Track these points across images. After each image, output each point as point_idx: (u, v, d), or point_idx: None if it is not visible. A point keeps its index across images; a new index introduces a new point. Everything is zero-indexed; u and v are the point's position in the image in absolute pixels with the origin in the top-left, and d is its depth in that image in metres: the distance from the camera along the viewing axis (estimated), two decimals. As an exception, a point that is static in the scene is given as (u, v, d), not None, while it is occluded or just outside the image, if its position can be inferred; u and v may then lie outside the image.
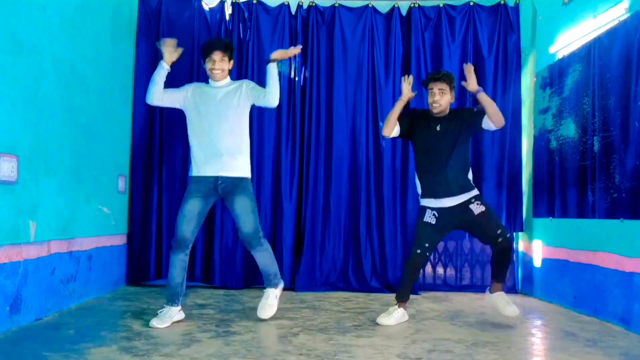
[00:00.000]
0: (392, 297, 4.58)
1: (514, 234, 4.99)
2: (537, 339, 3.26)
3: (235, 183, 3.42)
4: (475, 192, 3.51)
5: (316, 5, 5.05)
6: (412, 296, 4.60)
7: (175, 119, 4.94)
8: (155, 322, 3.22)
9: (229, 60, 3.53)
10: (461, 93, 4.79)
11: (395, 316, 3.49)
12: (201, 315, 3.56)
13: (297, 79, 5.01)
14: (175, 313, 3.34)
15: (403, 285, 3.60)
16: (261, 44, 4.95)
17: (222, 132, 3.42)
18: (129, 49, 4.85)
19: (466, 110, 3.73)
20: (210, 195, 3.45)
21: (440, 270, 5.10)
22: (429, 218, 3.49)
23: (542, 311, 4.08)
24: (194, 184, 3.43)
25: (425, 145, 3.55)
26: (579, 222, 3.99)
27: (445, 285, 5.03)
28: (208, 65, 3.49)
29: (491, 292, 3.62)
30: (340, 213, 4.96)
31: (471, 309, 4.07)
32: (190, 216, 3.38)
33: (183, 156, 4.90)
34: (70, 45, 3.64)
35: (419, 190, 3.59)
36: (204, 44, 3.62)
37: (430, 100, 3.55)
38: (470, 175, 3.56)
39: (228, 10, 5.02)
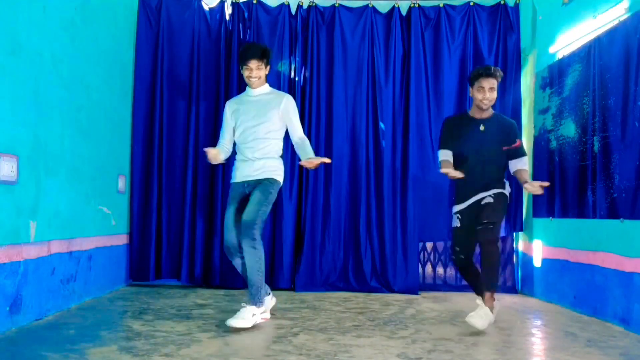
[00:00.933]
0: (392, 297, 4.60)
1: (514, 234, 5.00)
2: (537, 339, 3.26)
3: (258, 182, 3.44)
4: (495, 191, 3.45)
5: (316, 5, 5.05)
6: (412, 296, 4.64)
7: (176, 119, 4.96)
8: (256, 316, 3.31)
9: (266, 66, 3.53)
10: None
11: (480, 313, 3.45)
12: (201, 315, 3.56)
13: (297, 79, 5.01)
14: (268, 300, 3.53)
15: (469, 284, 3.74)
16: (261, 44, 4.94)
17: (256, 139, 3.46)
18: (129, 49, 4.85)
19: (512, 134, 3.53)
20: (243, 199, 3.47)
21: (440, 270, 5.10)
22: (455, 222, 3.56)
23: (542, 311, 4.08)
24: (231, 191, 3.53)
25: (468, 146, 3.46)
26: (579, 222, 3.99)
27: (445, 285, 5.03)
28: (245, 73, 3.51)
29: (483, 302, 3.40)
30: (340, 213, 4.96)
31: (471, 309, 4.03)
32: (229, 224, 3.44)
33: (183, 156, 4.91)
34: (70, 45, 3.64)
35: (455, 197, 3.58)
36: (241, 50, 3.59)
37: (479, 96, 3.43)
38: (504, 182, 3.50)
39: (228, 10, 5.03)
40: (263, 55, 3.48)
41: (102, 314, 3.52)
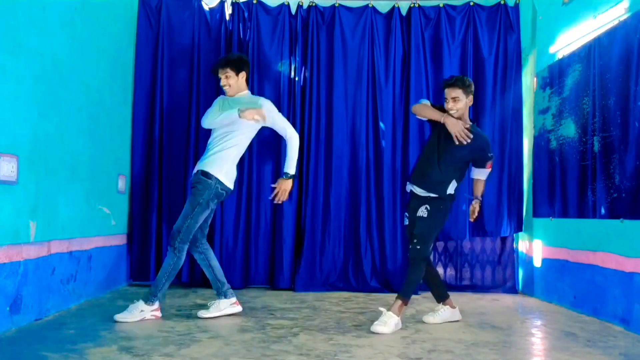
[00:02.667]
0: (392, 297, 4.58)
1: (514, 234, 5.00)
2: (537, 339, 3.26)
3: (194, 180, 3.55)
4: (436, 195, 3.43)
5: (316, 5, 5.05)
6: (412, 296, 4.63)
7: (176, 119, 4.95)
8: (201, 312, 3.53)
9: (237, 73, 3.65)
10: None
11: (441, 315, 3.62)
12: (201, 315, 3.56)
13: (297, 79, 5.01)
14: (225, 305, 3.60)
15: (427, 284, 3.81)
16: (261, 44, 4.95)
17: (216, 136, 3.64)
18: (129, 49, 4.85)
19: (485, 152, 3.49)
20: None
21: (440, 270, 5.09)
22: (405, 221, 3.63)
23: (542, 311, 4.08)
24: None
25: (437, 138, 3.49)
26: (579, 222, 3.99)
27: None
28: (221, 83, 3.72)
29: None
30: (340, 213, 4.96)
31: (471, 309, 4.07)
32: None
33: (183, 156, 4.90)
34: (70, 45, 3.64)
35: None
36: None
37: (446, 106, 3.43)
38: (452, 187, 3.46)
39: (228, 10, 5.02)
40: (227, 64, 3.64)
41: (102, 314, 3.52)
